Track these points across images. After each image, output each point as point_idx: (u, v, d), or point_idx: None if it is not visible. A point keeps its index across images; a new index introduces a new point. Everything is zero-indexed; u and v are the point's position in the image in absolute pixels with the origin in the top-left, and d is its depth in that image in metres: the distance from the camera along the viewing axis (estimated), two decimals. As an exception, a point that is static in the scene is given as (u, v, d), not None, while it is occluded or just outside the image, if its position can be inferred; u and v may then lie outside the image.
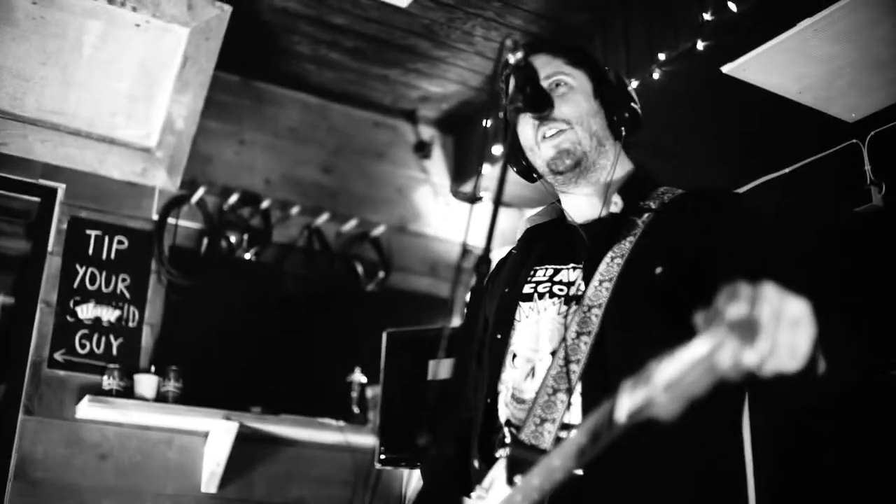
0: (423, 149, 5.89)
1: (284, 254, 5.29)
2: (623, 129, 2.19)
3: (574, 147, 2.12)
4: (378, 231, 5.53)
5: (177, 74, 4.70)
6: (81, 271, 4.72)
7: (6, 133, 4.61)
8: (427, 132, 5.96)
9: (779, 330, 1.10)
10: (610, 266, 1.97)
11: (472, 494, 1.91)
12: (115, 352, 4.67)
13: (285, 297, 5.24)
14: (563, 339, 1.94)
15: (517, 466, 1.71)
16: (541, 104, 2.08)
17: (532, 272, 2.15)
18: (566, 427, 1.88)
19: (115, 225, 4.87)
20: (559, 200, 2.28)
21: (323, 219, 5.38)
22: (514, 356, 2.07)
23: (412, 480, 4.98)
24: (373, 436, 4.78)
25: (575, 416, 1.89)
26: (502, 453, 1.96)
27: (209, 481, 4.67)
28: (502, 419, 2.04)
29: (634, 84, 4.19)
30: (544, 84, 2.15)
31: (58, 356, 4.55)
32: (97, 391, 4.48)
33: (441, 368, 4.14)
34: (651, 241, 1.99)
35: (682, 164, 4.75)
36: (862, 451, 3.78)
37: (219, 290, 5.02)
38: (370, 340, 4.76)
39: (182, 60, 4.65)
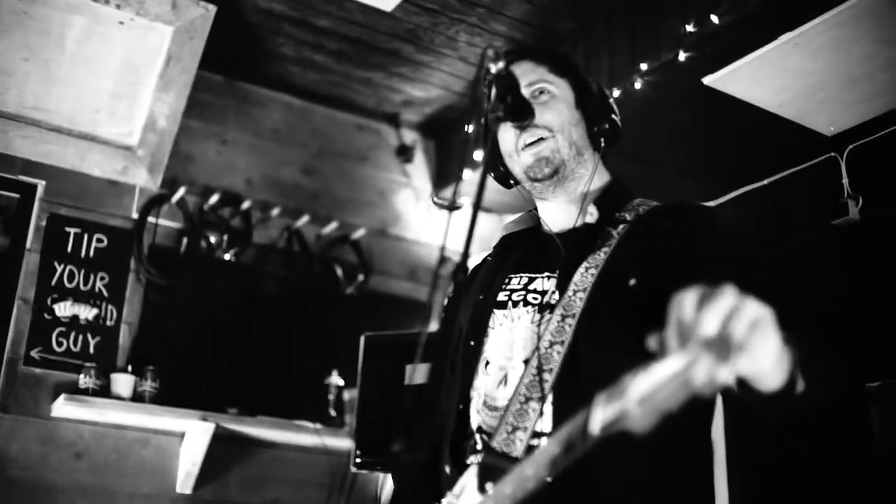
0: (405, 153, 5.91)
1: (264, 255, 5.29)
2: (603, 139, 2.20)
3: (553, 155, 2.13)
4: (358, 234, 5.53)
5: (160, 73, 4.69)
6: (60, 269, 4.70)
7: (-14, 128, 4.60)
8: (409, 136, 5.97)
9: (746, 335, 1.12)
10: (584, 276, 1.98)
11: (443, 500, 1.91)
12: (92, 350, 4.65)
13: (264, 299, 5.24)
14: (537, 348, 1.94)
15: (488, 473, 1.72)
16: (521, 114, 2.08)
17: (507, 280, 2.15)
18: (538, 435, 1.89)
19: (95, 223, 4.86)
20: (536, 208, 2.29)
21: (303, 221, 5.38)
22: (487, 363, 2.07)
23: (387, 484, 4.99)
24: (349, 439, 4.79)
25: (547, 424, 1.89)
26: (474, 460, 1.97)
27: (185, 482, 4.67)
28: (474, 426, 2.04)
29: (616, 93, 4.22)
30: (527, 91, 2.15)
31: (34, 354, 4.53)
32: (73, 390, 4.46)
33: (417, 373, 4.15)
34: (626, 252, 2.00)
35: (662, 174, 4.78)
36: (839, 467, 3.80)
37: (198, 290, 5.01)
38: (348, 343, 4.76)
39: (165, 59, 4.65)
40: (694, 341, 1.10)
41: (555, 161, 2.13)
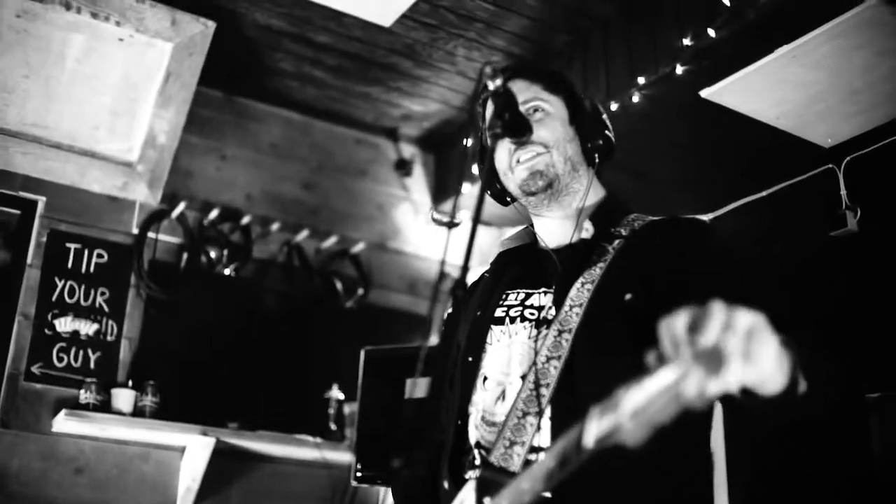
0: (404, 167, 5.92)
1: (264, 270, 5.30)
2: (597, 155, 2.22)
3: (547, 169, 2.15)
4: (358, 248, 5.54)
5: (159, 89, 4.71)
6: (60, 284, 4.71)
7: (-13, 145, 4.62)
8: (408, 150, 5.99)
9: (740, 345, 1.13)
10: (580, 291, 1.99)
11: (442, 515, 1.92)
12: (92, 366, 4.66)
13: (264, 313, 5.25)
14: (534, 363, 1.95)
15: (486, 488, 1.73)
16: (519, 130, 2.10)
17: (504, 296, 2.17)
18: (535, 450, 1.90)
19: (95, 238, 4.87)
20: (532, 225, 2.31)
21: (303, 235, 5.39)
22: (485, 379, 2.08)
23: (388, 498, 4.99)
24: (349, 453, 4.79)
25: (544, 439, 1.90)
26: (472, 475, 1.98)
27: (185, 496, 4.66)
28: (472, 441, 2.05)
29: (614, 107, 4.24)
30: (522, 109, 2.17)
31: (35, 369, 4.53)
32: (74, 405, 4.46)
33: (417, 388, 4.16)
34: (621, 267, 2.01)
35: (660, 187, 4.79)
36: (839, 478, 3.80)
37: (198, 305, 5.02)
38: (348, 357, 4.78)
39: (165, 75, 4.67)
40: (685, 355, 1.11)
41: (549, 175, 2.15)
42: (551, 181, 2.16)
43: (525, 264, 2.24)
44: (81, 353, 4.65)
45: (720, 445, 4.09)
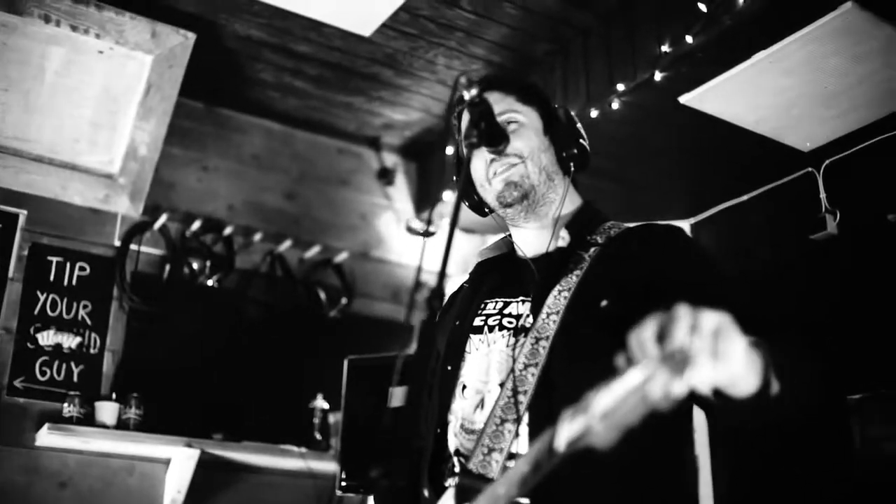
0: (386, 175, 5.93)
1: (247, 280, 5.29)
2: (572, 164, 2.24)
3: (522, 180, 2.17)
4: (341, 257, 5.55)
5: (140, 101, 4.71)
6: (42, 297, 4.70)
7: (-33, 159, 4.61)
8: (390, 159, 5.99)
9: (706, 345, 1.14)
10: (557, 299, 2.00)
11: (423, 523, 1.93)
12: (75, 379, 4.64)
13: (248, 324, 5.24)
14: (511, 371, 1.97)
15: (465, 495, 1.74)
16: (496, 138, 2.12)
17: (483, 305, 2.18)
18: (513, 456, 1.91)
19: (77, 251, 4.86)
20: (511, 234, 2.32)
21: (286, 245, 5.39)
22: (464, 387, 2.09)
23: (373, 507, 4.99)
24: (334, 462, 4.79)
25: (522, 445, 1.91)
26: (451, 482, 1.99)
27: (170, 508, 4.66)
28: (451, 449, 2.06)
29: (595, 114, 4.25)
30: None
31: (17, 383, 4.52)
32: (57, 419, 4.44)
33: (394, 397, 4.16)
34: (597, 275, 2.03)
35: (641, 192, 4.81)
36: (821, 480, 3.82)
37: (181, 316, 5.01)
38: (332, 367, 4.77)
39: (145, 87, 4.67)
40: (650, 357, 1.13)
41: (524, 185, 2.17)
42: (527, 192, 2.17)
43: (503, 274, 2.26)
44: (64, 366, 4.64)
45: (703, 448, 4.11)
